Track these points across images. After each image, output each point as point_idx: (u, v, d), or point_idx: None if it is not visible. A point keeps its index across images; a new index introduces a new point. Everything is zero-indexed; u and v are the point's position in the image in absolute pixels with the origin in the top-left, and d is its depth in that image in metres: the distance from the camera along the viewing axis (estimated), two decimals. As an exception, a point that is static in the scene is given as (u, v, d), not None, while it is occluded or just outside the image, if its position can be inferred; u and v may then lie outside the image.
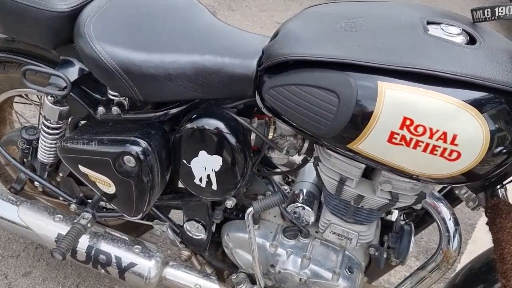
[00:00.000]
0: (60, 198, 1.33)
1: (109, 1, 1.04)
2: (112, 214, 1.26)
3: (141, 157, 0.99)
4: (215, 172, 1.00)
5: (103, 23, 0.98)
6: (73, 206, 1.30)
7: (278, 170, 1.16)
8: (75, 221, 1.21)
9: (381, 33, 0.81)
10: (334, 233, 1.05)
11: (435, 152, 0.75)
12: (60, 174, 1.31)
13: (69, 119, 1.18)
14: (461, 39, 0.80)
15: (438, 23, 0.83)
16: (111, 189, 1.09)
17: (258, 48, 0.92)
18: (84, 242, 1.24)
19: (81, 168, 1.09)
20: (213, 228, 1.22)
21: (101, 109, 1.07)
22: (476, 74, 0.72)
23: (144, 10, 1.04)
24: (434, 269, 1.06)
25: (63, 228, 1.26)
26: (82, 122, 1.16)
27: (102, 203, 1.29)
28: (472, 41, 0.81)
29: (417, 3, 0.95)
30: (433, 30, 0.81)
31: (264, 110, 0.91)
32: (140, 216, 1.13)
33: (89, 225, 1.21)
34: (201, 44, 0.97)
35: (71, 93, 1.06)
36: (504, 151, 0.76)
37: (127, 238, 1.27)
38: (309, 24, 0.89)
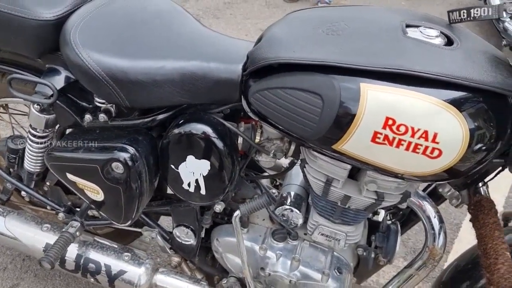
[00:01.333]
0: (48, 207, 1.32)
1: (95, 9, 1.05)
2: (101, 222, 1.26)
3: (129, 163, 1.00)
4: (203, 176, 1.01)
5: (89, 31, 0.99)
6: (61, 215, 1.29)
7: (265, 173, 1.18)
8: (63, 230, 1.21)
9: (362, 36, 0.84)
10: (322, 234, 1.06)
11: (417, 150, 0.77)
12: (47, 183, 1.30)
13: (56, 127, 1.18)
14: (439, 40, 0.83)
15: (417, 26, 0.86)
16: (99, 196, 1.09)
17: (243, 53, 0.94)
18: (72, 251, 1.23)
19: (69, 176, 1.09)
20: (203, 233, 1.22)
21: (88, 117, 1.07)
22: (454, 74, 0.74)
23: (130, 18, 1.05)
24: (421, 266, 1.08)
25: (51, 238, 1.25)
26: (69, 130, 1.16)
27: (91, 211, 1.28)
28: (449, 42, 0.84)
29: (397, 7, 0.98)
30: (412, 32, 0.84)
31: (250, 114, 0.92)
32: (129, 223, 1.13)
33: (77, 233, 1.21)
34: (187, 50, 0.98)
35: (57, 101, 1.06)
36: (484, 148, 0.78)
37: (116, 246, 1.27)
38: (292, 28, 0.91)
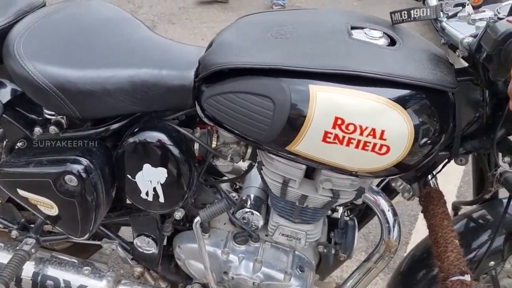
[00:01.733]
0: (0, 225, 1.27)
1: (39, 19, 1.02)
2: (58, 237, 1.22)
3: (83, 175, 0.97)
4: (161, 184, 1.00)
5: (34, 41, 0.96)
6: (14, 233, 1.24)
7: (224, 177, 1.18)
8: (17, 248, 1.16)
9: (309, 39, 0.86)
10: (283, 234, 1.08)
11: (366, 148, 0.79)
12: (-1, 201, 1.25)
13: (4, 143, 1.14)
14: (382, 41, 0.86)
15: (362, 28, 0.89)
16: (53, 211, 1.06)
17: (195, 59, 0.94)
18: (29, 269, 1.19)
19: (20, 192, 1.05)
20: (164, 241, 1.21)
21: (37, 130, 1.04)
22: (397, 73, 0.78)
23: (77, 26, 1.03)
24: (379, 259, 1.11)
25: (5, 257, 1.19)
26: (19, 144, 1.12)
27: (47, 226, 1.24)
28: (392, 42, 0.87)
29: (342, 9, 1.01)
30: (357, 34, 0.87)
31: (205, 120, 0.93)
32: (87, 236, 1.10)
33: (33, 250, 1.17)
34: (138, 57, 0.97)
35: (4, 115, 1.03)
36: (429, 142, 0.82)
37: (75, 261, 1.23)
38: (242, 33, 0.92)
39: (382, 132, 0.78)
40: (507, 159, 0.92)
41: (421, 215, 1.77)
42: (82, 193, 0.99)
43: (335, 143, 0.80)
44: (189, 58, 0.96)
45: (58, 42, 0.98)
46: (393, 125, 0.78)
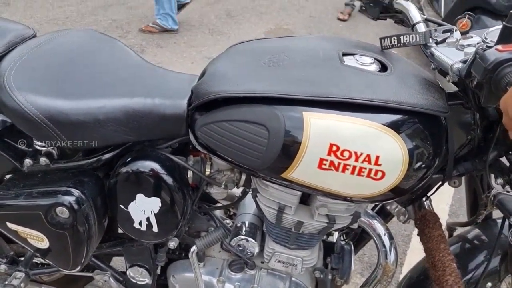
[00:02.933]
0: (-12, 259, 1.23)
1: (29, 50, 1.02)
2: (48, 270, 1.19)
3: (75, 206, 0.96)
4: (154, 214, 0.99)
5: (24, 73, 0.96)
6: (3, 267, 1.21)
7: (218, 204, 1.17)
8: (6, 282, 1.13)
9: (302, 66, 0.87)
10: (279, 261, 1.06)
11: (362, 174, 0.79)
12: (-14, 234, 1.22)
13: (-7, 174, 1.12)
14: (374, 67, 0.87)
15: (353, 54, 0.90)
16: (44, 243, 1.03)
17: (187, 87, 0.94)
18: (18, 303, 1.15)
19: (10, 225, 1.03)
20: (158, 271, 1.19)
21: (28, 161, 1.02)
22: (390, 98, 0.79)
23: (67, 57, 1.03)
24: (376, 284, 1.10)
25: (-7, 292, 1.16)
26: (8, 176, 1.10)
27: (36, 258, 1.21)
28: (384, 68, 0.88)
29: (333, 36, 1.02)
30: (348, 60, 0.88)
31: (199, 148, 0.92)
32: (78, 268, 1.07)
33: (22, 285, 1.14)
34: (130, 87, 0.97)
35: (-7, 147, 1.01)
36: (423, 165, 0.83)
37: (66, 294, 1.20)
38: (234, 61, 0.93)
39: (377, 157, 0.78)
40: (499, 180, 0.92)
41: (415, 235, 1.77)
42: (74, 225, 0.97)
43: (331, 169, 0.80)
44: (182, 87, 0.96)
45: (49, 73, 0.98)
46: (388, 150, 0.78)
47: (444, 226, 1.07)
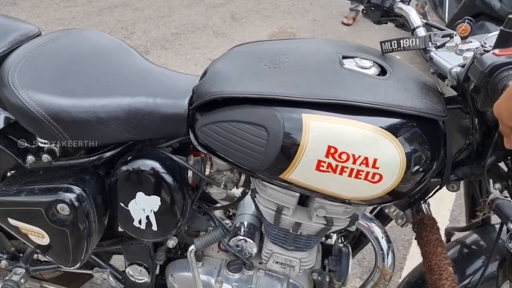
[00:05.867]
0: (-11, 255, 1.25)
1: (34, 48, 1.03)
2: (48, 267, 1.20)
3: (76, 204, 0.97)
4: (154, 212, 1.00)
5: (28, 71, 0.97)
6: (3, 263, 1.22)
7: (218, 205, 1.17)
8: (6, 278, 1.14)
9: (302, 68, 0.87)
10: (277, 262, 1.07)
11: (359, 176, 0.80)
12: (-12, 230, 1.23)
13: (-4, 171, 1.13)
14: (373, 70, 0.88)
15: (353, 57, 0.91)
16: (45, 240, 1.04)
17: (189, 87, 0.95)
18: (17, 300, 1.16)
19: (11, 221, 1.04)
20: (157, 270, 1.20)
21: (30, 158, 1.03)
22: (388, 102, 0.79)
23: (71, 56, 1.04)
24: (373, 287, 1.11)
25: (-7, 287, 1.17)
26: (10, 172, 1.11)
27: (36, 255, 1.22)
28: (383, 71, 0.89)
29: (333, 39, 1.03)
30: (348, 64, 0.89)
31: (199, 147, 0.93)
32: (78, 265, 1.08)
33: (22, 281, 1.15)
34: (132, 86, 0.98)
35: (-4, 143, 1.02)
36: (421, 169, 0.83)
37: (65, 291, 1.21)
38: (235, 63, 0.94)
39: (375, 160, 0.79)
40: (497, 185, 0.92)
41: (415, 240, 1.77)
42: (74, 222, 0.98)
43: (328, 171, 0.80)
44: (183, 87, 0.97)
45: (53, 71, 0.99)
46: (385, 153, 0.79)
47: (442, 231, 1.07)
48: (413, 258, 1.94)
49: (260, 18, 4.39)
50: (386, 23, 1.06)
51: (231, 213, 1.24)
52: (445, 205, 2.23)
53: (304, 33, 4.14)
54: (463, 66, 0.80)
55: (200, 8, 4.40)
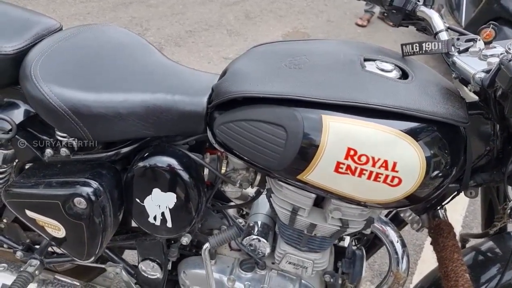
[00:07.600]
0: (4, 245, 1.26)
1: (56, 42, 1.04)
2: (62, 259, 1.21)
3: (92, 198, 0.97)
4: (169, 209, 1.00)
5: (50, 65, 0.98)
6: (19, 254, 1.23)
7: (232, 203, 1.18)
8: (21, 269, 1.15)
9: (322, 69, 0.87)
10: (290, 262, 1.07)
11: (378, 179, 0.80)
12: (4, 220, 1.25)
13: (14, 163, 1.14)
14: (394, 74, 0.87)
15: (374, 60, 0.91)
16: (60, 233, 1.05)
17: (208, 86, 0.96)
18: (31, 291, 1.17)
19: (28, 213, 1.05)
20: (169, 266, 1.20)
21: (49, 151, 1.04)
22: (409, 106, 0.79)
23: (92, 51, 1.05)
24: (387, 291, 1.10)
25: (9, 278, 1.18)
26: (28, 164, 1.12)
27: (51, 247, 1.23)
28: (404, 75, 0.88)
29: (354, 40, 1.03)
30: (369, 66, 0.88)
31: (216, 146, 0.93)
32: (92, 259, 1.09)
33: (37, 272, 1.16)
34: (152, 82, 0.99)
35: (16, 136, 1.03)
36: (440, 174, 0.82)
37: (78, 284, 1.22)
38: (256, 62, 0.94)
39: (394, 164, 0.78)
40: (517, 193, 0.91)
41: (427, 245, 1.75)
42: (91, 216, 0.99)
43: (347, 173, 0.80)
44: (202, 85, 0.97)
45: (74, 66, 1.00)
46: (405, 157, 0.78)
47: (457, 237, 1.06)
48: (425, 263, 1.93)
49: (274, 17, 4.38)
50: (407, 26, 1.05)
51: (244, 212, 1.24)
52: (458, 211, 2.21)
53: (318, 33, 4.12)
54: (487, 71, 0.79)
55: (214, 6, 4.41)
